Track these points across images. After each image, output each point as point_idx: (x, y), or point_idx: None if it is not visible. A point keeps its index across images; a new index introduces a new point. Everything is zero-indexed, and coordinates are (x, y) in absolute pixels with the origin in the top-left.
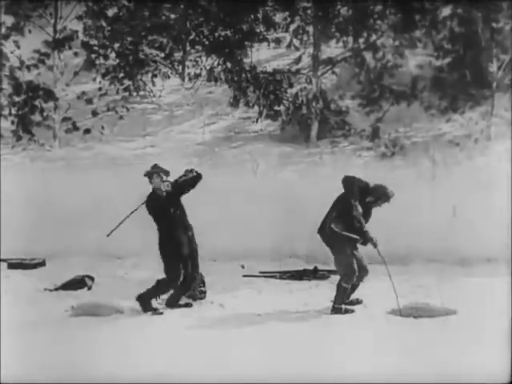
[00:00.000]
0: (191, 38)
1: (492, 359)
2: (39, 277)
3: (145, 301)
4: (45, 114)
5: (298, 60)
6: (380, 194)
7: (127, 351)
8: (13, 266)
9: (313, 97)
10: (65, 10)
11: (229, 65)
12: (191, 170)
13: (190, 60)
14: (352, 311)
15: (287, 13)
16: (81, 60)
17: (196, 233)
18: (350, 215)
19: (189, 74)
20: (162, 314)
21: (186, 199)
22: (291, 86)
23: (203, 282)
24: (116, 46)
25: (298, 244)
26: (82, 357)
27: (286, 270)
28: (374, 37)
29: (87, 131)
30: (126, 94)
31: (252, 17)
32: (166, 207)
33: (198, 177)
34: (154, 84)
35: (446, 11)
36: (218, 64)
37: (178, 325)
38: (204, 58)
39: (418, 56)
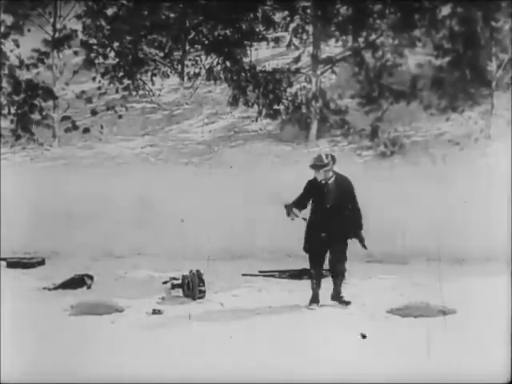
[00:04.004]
0: (190, 37)
1: (492, 359)
2: (38, 276)
3: (339, 296)
4: (44, 113)
5: (298, 59)
6: None
7: (127, 350)
8: (12, 264)
9: (312, 96)
10: (64, 9)
11: (228, 64)
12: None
13: (190, 59)
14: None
15: (287, 12)
16: (80, 59)
17: (196, 232)
18: None
19: (188, 73)
20: (162, 313)
21: (184, 197)
22: (291, 85)
23: (203, 281)
24: (115, 45)
25: (297, 243)
26: (82, 356)
27: (285, 269)
28: (373, 36)
29: (86, 130)
30: (126, 93)
31: (251, 16)
32: None
33: None
34: (153, 83)
35: (446, 10)
36: (218, 63)
37: (178, 324)
38: (203, 57)
39: (418, 55)
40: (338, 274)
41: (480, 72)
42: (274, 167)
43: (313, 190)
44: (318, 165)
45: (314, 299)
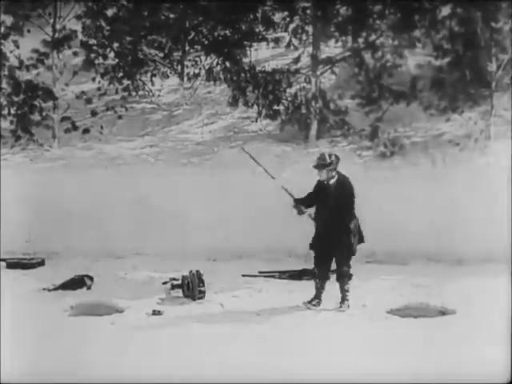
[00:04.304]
0: (190, 37)
1: (492, 359)
2: (38, 276)
3: (347, 298)
4: (44, 113)
5: (297, 59)
6: None
7: (126, 351)
8: (12, 265)
9: (312, 96)
10: (64, 10)
11: (228, 64)
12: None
13: (189, 60)
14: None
15: (286, 12)
16: (80, 60)
17: (195, 232)
18: None
19: (188, 73)
20: (162, 313)
21: (184, 198)
22: (290, 85)
23: (202, 282)
24: (115, 45)
25: (297, 243)
26: (81, 357)
27: (285, 269)
28: (373, 36)
29: (86, 131)
30: (125, 93)
31: (251, 16)
32: None
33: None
34: (153, 84)
35: (446, 11)
36: (217, 64)
37: (178, 324)
38: (203, 58)
39: (418, 56)
40: (339, 277)
41: (480, 73)
42: (274, 167)
43: (318, 190)
44: (320, 164)
45: (315, 299)
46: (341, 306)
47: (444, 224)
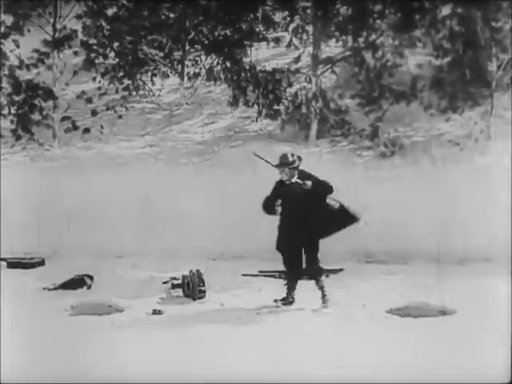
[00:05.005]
0: (190, 37)
1: (492, 359)
2: (38, 276)
3: (325, 294)
4: (44, 113)
5: (298, 59)
6: None
7: (127, 351)
8: (12, 265)
9: (312, 96)
10: (64, 10)
11: (228, 64)
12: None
13: (190, 59)
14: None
15: (287, 12)
16: (80, 59)
17: (196, 232)
18: None
19: (188, 73)
20: (162, 313)
21: (185, 198)
22: (291, 85)
23: (203, 281)
24: (115, 45)
25: None
26: (82, 356)
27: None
28: (373, 36)
29: (87, 130)
30: (126, 93)
31: (251, 16)
32: None
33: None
34: (153, 83)
35: (446, 10)
36: (218, 63)
37: (178, 324)
38: (203, 58)
39: (418, 55)
40: (312, 275)
41: (480, 72)
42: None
43: (280, 190)
44: (282, 163)
45: (286, 299)
46: (323, 305)
47: (444, 224)
